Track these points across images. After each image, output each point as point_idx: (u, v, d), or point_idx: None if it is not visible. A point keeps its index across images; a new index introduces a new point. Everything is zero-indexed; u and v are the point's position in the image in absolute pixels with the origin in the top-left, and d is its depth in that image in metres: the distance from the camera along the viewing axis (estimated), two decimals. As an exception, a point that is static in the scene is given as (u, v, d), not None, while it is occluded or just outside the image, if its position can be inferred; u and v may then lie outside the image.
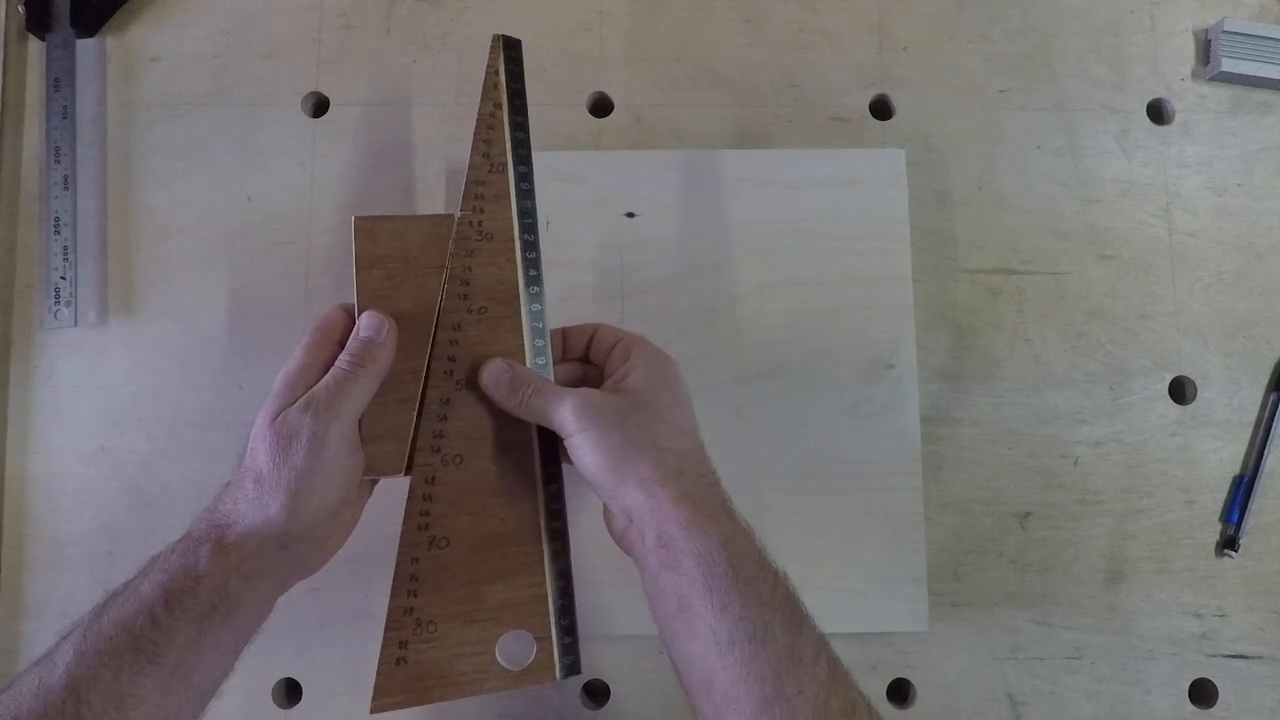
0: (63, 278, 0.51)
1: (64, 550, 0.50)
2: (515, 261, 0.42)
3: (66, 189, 0.52)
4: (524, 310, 0.42)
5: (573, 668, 0.40)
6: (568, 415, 0.38)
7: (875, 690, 0.50)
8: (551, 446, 0.41)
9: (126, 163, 0.53)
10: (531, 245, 0.43)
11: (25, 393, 0.51)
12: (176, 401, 0.51)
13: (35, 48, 0.54)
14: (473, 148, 0.43)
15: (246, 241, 0.52)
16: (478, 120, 0.43)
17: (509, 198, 0.43)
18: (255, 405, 0.50)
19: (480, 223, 0.42)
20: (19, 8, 0.53)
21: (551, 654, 0.39)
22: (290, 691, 0.49)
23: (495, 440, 0.41)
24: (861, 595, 0.48)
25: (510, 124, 0.43)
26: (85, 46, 0.54)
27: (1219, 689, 0.50)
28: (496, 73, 0.44)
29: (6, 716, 0.32)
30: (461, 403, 0.41)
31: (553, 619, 0.40)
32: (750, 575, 0.36)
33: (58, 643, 0.35)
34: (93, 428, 0.51)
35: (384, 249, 0.42)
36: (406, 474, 0.40)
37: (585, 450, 0.38)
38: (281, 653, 0.49)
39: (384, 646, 0.38)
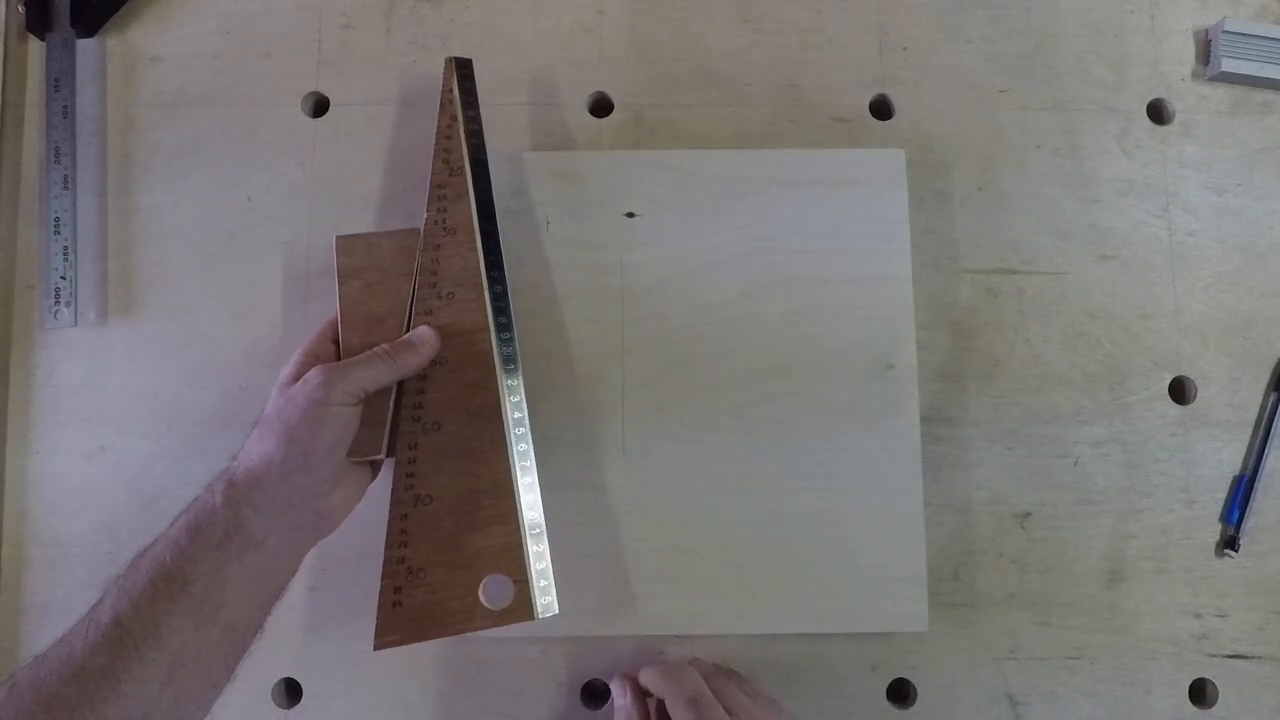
0: (63, 278, 0.51)
1: (64, 550, 0.50)
2: (477, 250, 0.47)
3: (66, 189, 0.52)
4: (487, 292, 0.46)
5: (549, 607, 0.43)
6: None
7: (875, 690, 0.50)
8: (521, 410, 0.46)
9: (126, 163, 0.53)
10: (490, 234, 0.47)
11: (25, 393, 0.51)
12: (176, 401, 0.51)
13: (35, 48, 0.54)
14: (434, 156, 0.48)
15: (246, 241, 0.52)
16: (436, 133, 0.49)
17: (468, 195, 0.48)
18: (255, 405, 0.51)
19: (444, 220, 0.47)
20: (19, 8, 0.53)
21: (529, 595, 0.43)
22: (290, 691, 0.49)
23: (467, 407, 0.45)
24: (861, 595, 0.48)
25: (465, 131, 0.49)
26: (85, 46, 0.54)
27: (1219, 689, 0.50)
28: (451, 90, 0.50)
29: (64, 654, 0.36)
30: (436, 376, 0.46)
31: (529, 563, 0.43)
32: None
33: (105, 590, 0.38)
34: (93, 428, 0.51)
35: (360, 262, 0.47)
36: (387, 456, 0.45)
37: None
38: (281, 653, 0.49)
39: (382, 592, 0.42)
